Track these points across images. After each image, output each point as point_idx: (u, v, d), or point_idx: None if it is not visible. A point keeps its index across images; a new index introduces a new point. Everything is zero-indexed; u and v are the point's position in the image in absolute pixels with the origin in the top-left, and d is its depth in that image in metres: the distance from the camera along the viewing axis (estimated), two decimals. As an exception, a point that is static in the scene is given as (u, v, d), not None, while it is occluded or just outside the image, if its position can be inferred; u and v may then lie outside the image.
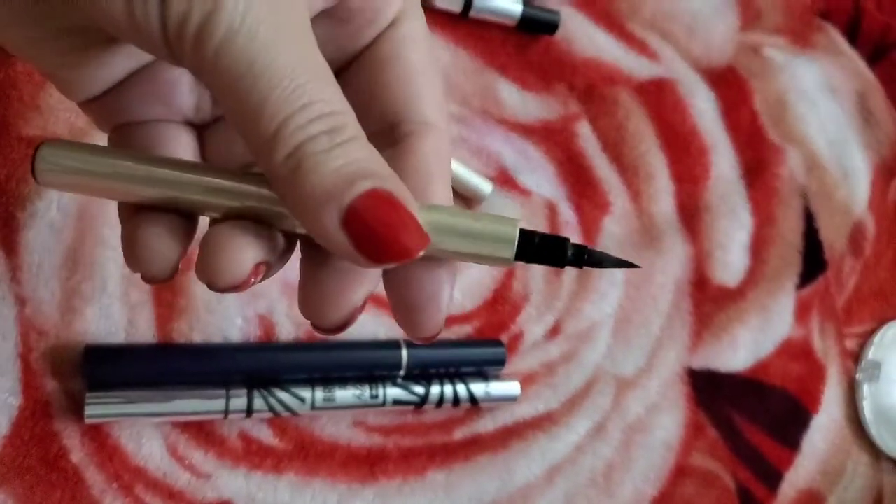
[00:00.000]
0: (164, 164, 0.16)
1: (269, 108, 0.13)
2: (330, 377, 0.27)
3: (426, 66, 0.17)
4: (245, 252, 0.15)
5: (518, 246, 0.15)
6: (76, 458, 0.25)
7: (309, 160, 0.13)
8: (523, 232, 0.15)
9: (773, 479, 0.35)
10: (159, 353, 0.25)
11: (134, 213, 0.17)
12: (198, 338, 0.26)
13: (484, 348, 0.30)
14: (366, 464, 0.28)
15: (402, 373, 0.28)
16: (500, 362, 0.30)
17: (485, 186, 0.30)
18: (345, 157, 0.13)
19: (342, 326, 0.16)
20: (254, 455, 0.27)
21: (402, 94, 0.17)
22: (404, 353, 0.28)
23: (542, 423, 0.31)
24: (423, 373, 0.28)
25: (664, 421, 0.33)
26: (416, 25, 0.17)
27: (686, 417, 0.34)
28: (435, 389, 0.28)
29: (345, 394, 0.27)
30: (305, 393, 0.26)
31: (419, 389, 0.28)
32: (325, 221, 0.13)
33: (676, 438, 0.33)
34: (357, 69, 0.17)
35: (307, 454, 0.27)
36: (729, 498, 0.34)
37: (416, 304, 0.16)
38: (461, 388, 0.29)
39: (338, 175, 0.13)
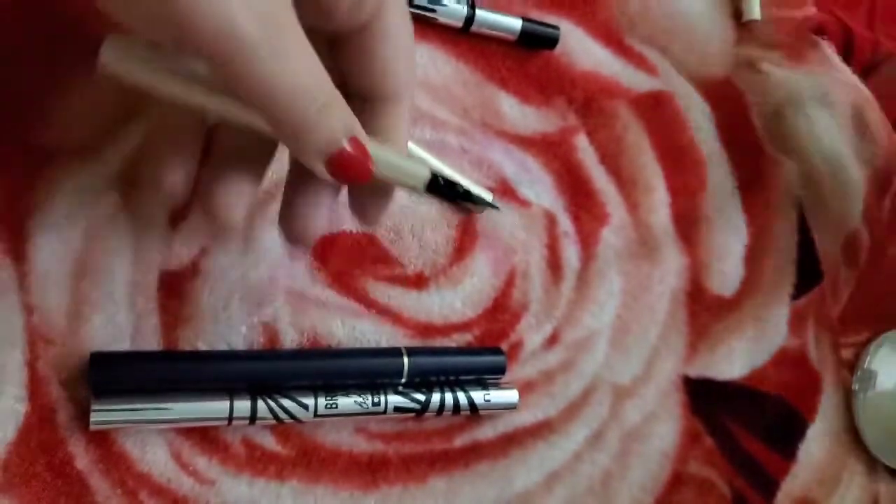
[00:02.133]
0: None
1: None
2: (332, 384, 0.27)
3: (400, 50, 0.21)
4: None
5: (430, 183, 0.22)
6: (81, 464, 0.25)
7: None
8: (433, 174, 0.22)
9: (768, 487, 0.35)
10: (164, 360, 0.26)
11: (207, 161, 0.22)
12: (203, 345, 0.27)
13: (484, 356, 0.30)
14: (367, 471, 0.28)
15: (403, 380, 0.28)
16: (501, 370, 0.30)
17: (485, 197, 0.31)
18: (327, 122, 0.19)
19: (310, 237, 0.22)
20: (257, 461, 0.27)
21: (379, 70, 0.21)
22: (405, 360, 0.28)
23: (540, 430, 0.31)
24: (423, 380, 0.29)
25: (661, 429, 0.34)
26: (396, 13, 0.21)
27: (682, 426, 0.34)
28: (435, 397, 0.29)
29: (347, 401, 0.27)
30: (308, 400, 0.27)
31: (420, 397, 0.28)
32: (316, 166, 0.20)
33: (673, 446, 0.34)
34: (342, 45, 0.21)
35: (310, 461, 0.28)
36: (725, 506, 0.34)
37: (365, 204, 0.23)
38: (461, 396, 0.29)
39: (322, 136, 0.19)
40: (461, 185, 0.22)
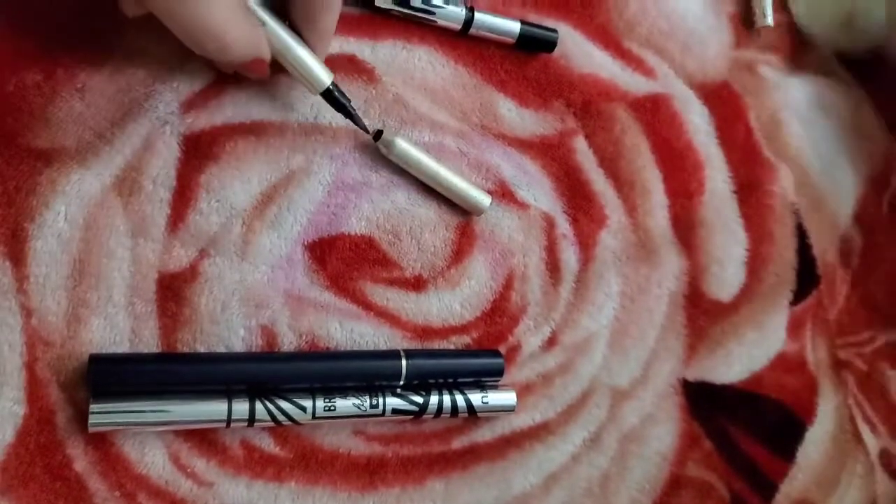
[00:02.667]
0: None
1: None
2: (331, 387, 0.28)
3: None
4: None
5: (326, 92, 0.28)
6: (80, 466, 0.25)
7: None
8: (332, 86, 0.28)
9: (767, 489, 0.35)
10: (163, 363, 0.26)
11: None
12: (201, 348, 0.27)
13: (483, 359, 0.31)
14: (366, 472, 0.28)
15: (401, 382, 0.29)
16: (499, 373, 0.30)
17: (484, 199, 0.31)
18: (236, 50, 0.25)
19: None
20: (255, 464, 0.27)
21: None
22: (404, 363, 0.29)
23: (538, 432, 0.32)
24: (422, 383, 0.29)
25: (659, 431, 0.34)
26: None
27: (681, 428, 0.34)
28: (434, 399, 0.29)
29: (345, 403, 0.27)
30: (307, 402, 0.27)
31: (418, 399, 0.29)
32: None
33: (671, 449, 0.34)
34: None
35: (308, 463, 0.28)
36: (723, 508, 0.34)
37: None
38: (459, 398, 0.29)
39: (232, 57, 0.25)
40: (352, 107, 0.28)
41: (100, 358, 0.25)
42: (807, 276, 0.38)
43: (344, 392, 0.28)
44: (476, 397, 0.30)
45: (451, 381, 0.30)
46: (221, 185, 0.28)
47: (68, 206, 0.26)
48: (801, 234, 0.38)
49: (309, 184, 0.29)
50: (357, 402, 0.28)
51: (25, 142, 0.26)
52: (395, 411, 0.28)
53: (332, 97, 0.28)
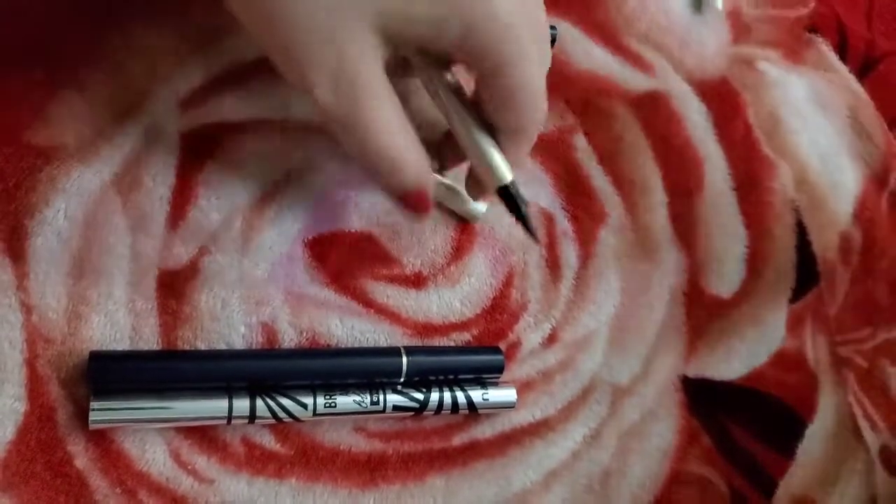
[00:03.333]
0: None
1: None
2: (331, 384, 0.28)
3: (527, 95, 0.26)
4: None
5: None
6: (80, 463, 0.25)
7: None
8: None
9: (767, 486, 0.36)
10: (163, 359, 0.26)
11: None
12: (202, 345, 0.27)
13: (483, 356, 0.31)
14: (366, 469, 0.29)
15: (401, 379, 0.29)
16: (499, 369, 0.31)
17: (479, 207, 0.31)
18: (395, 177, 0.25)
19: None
20: (256, 461, 0.27)
21: (504, 109, 0.26)
22: (404, 360, 0.29)
23: (539, 429, 0.32)
24: (422, 379, 0.29)
25: (659, 428, 0.34)
26: None
27: (681, 424, 0.35)
28: (434, 396, 0.29)
29: (346, 400, 0.28)
30: (307, 399, 0.27)
31: (419, 396, 0.29)
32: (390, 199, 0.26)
33: (671, 445, 0.34)
34: (480, 86, 0.26)
35: (309, 460, 0.28)
36: (724, 505, 0.35)
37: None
38: (460, 395, 0.30)
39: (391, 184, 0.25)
40: (526, 209, 0.27)
41: (100, 355, 0.25)
42: (807, 274, 0.38)
43: (345, 389, 0.28)
44: (476, 394, 0.30)
45: (451, 377, 0.30)
46: (221, 182, 0.29)
47: (68, 203, 0.26)
48: (801, 232, 0.39)
49: (308, 181, 0.30)
50: (358, 398, 0.28)
51: (25, 139, 0.26)
52: (396, 408, 0.28)
53: (508, 194, 0.26)
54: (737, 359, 0.36)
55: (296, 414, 0.27)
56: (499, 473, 0.31)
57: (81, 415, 0.25)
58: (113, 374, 0.25)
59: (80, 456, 0.25)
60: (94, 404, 0.25)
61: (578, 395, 0.33)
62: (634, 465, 0.33)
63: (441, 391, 0.29)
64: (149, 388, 0.26)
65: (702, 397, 0.35)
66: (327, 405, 0.27)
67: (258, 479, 0.27)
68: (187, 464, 0.27)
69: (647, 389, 0.34)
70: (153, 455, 0.26)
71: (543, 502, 0.31)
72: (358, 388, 0.28)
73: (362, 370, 0.28)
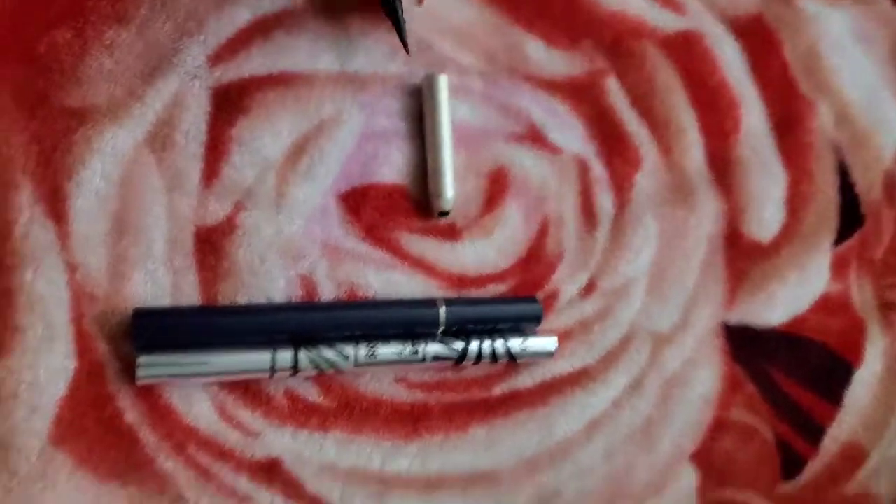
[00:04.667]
0: None
1: None
2: (371, 335, 0.29)
3: None
4: None
5: None
6: (130, 418, 0.27)
7: None
8: None
9: (814, 433, 0.36)
10: (206, 314, 0.27)
11: None
12: (242, 300, 0.28)
13: (520, 305, 0.31)
14: (409, 420, 0.30)
15: (440, 330, 0.30)
16: (537, 319, 0.31)
17: (446, 200, 0.31)
18: None
19: None
20: (300, 413, 0.28)
21: None
22: (442, 310, 0.30)
23: (579, 378, 0.33)
24: (461, 330, 0.30)
25: (701, 376, 0.35)
26: None
27: (723, 372, 0.35)
28: (473, 345, 0.30)
29: (386, 350, 0.29)
30: (349, 350, 0.28)
31: (458, 345, 0.30)
32: None
33: (714, 393, 0.35)
34: None
35: (352, 411, 0.29)
36: (769, 452, 0.35)
37: None
38: (499, 344, 0.30)
39: None
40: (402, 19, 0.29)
41: (143, 312, 0.27)
42: (850, 215, 0.38)
43: (385, 340, 0.29)
44: (516, 343, 0.31)
45: (489, 328, 0.31)
46: (252, 137, 0.29)
47: (104, 163, 0.27)
48: (843, 172, 0.39)
49: (339, 133, 0.30)
50: (398, 349, 0.29)
51: (58, 101, 0.27)
52: (436, 357, 0.29)
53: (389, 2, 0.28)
54: (779, 305, 0.36)
55: (338, 364, 0.28)
56: (541, 423, 0.32)
57: (128, 371, 0.27)
58: (156, 329, 0.26)
59: (130, 411, 0.27)
60: (140, 360, 0.26)
61: (618, 344, 0.33)
62: (677, 413, 0.34)
63: (480, 341, 0.30)
64: (192, 342, 0.27)
65: (744, 344, 0.36)
66: (368, 355, 0.28)
67: (302, 431, 0.28)
68: (233, 418, 0.28)
69: (688, 337, 0.35)
70: (200, 409, 0.27)
71: (586, 451, 0.32)
72: (398, 338, 0.29)
73: (401, 321, 0.29)
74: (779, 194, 0.37)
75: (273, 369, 0.27)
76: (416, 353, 0.29)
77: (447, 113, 0.31)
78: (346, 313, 0.29)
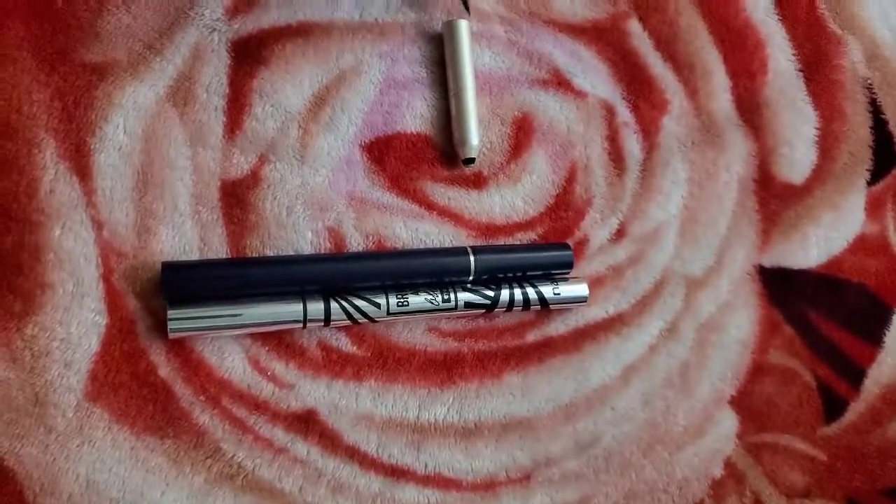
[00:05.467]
0: None
1: None
2: (402, 284, 0.29)
3: None
4: None
5: None
6: (164, 372, 0.27)
7: None
8: None
9: (855, 375, 0.35)
10: (235, 266, 0.27)
11: None
12: (270, 252, 0.28)
13: (551, 252, 0.31)
14: (443, 368, 0.29)
15: (471, 278, 0.29)
16: (568, 265, 0.31)
17: (472, 148, 0.31)
18: None
19: None
20: (334, 364, 0.28)
21: None
22: (472, 258, 0.29)
23: (613, 324, 0.32)
24: (491, 278, 0.30)
25: (738, 319, 0.34)
26: None
27: (760, 315, 0.34)
28: (505, 293, 0.30)
29: (418, 299, 0.28)
30: (380, 299, 0.28)
31: (489, 293, 0.29)
32: None
33: (751, 336, 0.34)
34: None
35: (386, 361, 0.29)
36: (810, 395, 0.35)
37: None
38: (531, 291, 0.30)
39: None
40: None
41: (172, 265, 0.26)
42: (884, 154, 0.38)
43: (415, 289, 0.28)
44: (547, 289, 0.30)
45: (520, 275, 0.30)
46: (274, 89, 0.29)
47: (126, 118, 0.27)
48: (876, 110, 0.38)
49: (360, 83, 0.30)
50: (429, 297, 0.28)
51: (78, 57, 0.27)
52: (468, 305, 0.29)
53: None
54: (814, 246, 0.36)
55: (370, 314, 0.28)
56: (576, 369, 0.31)
57: (160, 326, 0.27)
58: (186, 282, 0.26)
59: (163, 366, 0.27)
60: (171, 313, 0.26)
61: (651, 289, 0.33)
62: (714, 357, 0.33)
63: (511, 288, 0.30)
64: (222, 295, 0.27)
65: (780, 287, 0.35)
66: (400, 304, 0.28)
67: (337, 382, 0.28)
68: (266, 370, 0.28)
69: (722, 281, 0.34)
70: (232, 363, 0.27)
71: (623, 397, 0.32)
72: (429, 287, 0.29)
73: (431, 269, 0.29)
74: (810, 134, 0.37)
75: (305, 320, 0.27)
76: (447, 300, 0.29)
77: (469, 59, 0.31)
78: (376, 263, 0.28)
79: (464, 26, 0.31)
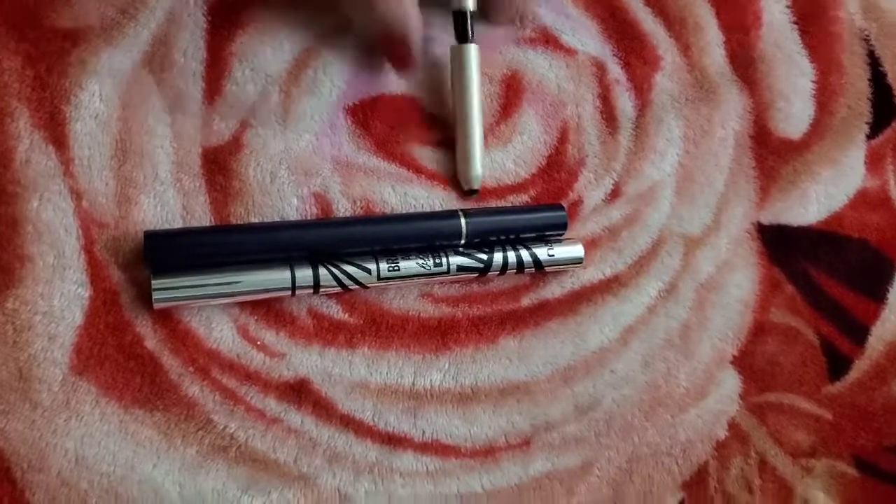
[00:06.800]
0: None
1: None
2: (392, 249, 0.28)
3: None
4: None
5: None
6: (150, 344, 0.26)
7: None
8: None
9: (858, 332, 0.35)
10: (219, 233, 0.27)
11: None
12: (255, 220, 0.28)
13: (544, 213, 0.31)
14: (437, 333, 0.29)
15: (462, 241, 0.29)
16: (562, 226, 0.31)
17: (475, 179, 0.30)
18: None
19: None
20: (326, 332, 0.28)
21: None
22: (462, 221, 0.29)
23: (610, 286, 0.32)
24: (484, 241, 0.29)
25: (737, 278, 0.34)
26: None
27: (760, 274, 0.34)
28: (498, 255, 0.29)
29: (409, 264, 0.28)
30: (370, 264, 0.27)
31: (482, 256, 0.29)
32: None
33: (752, 295, 0.34)
34: None
35: (378, 327, 0.29)
36: (813, 353, 0.34)
37: None
38: (524, 253, 0.30)
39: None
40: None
41: (155, 234, 0.26)
42: (883, 107, 0.37)
43: (406, 253, 0.28)
44: (541, 251, 0.30)
45: (513, 237, 0.30)
46: (253, 52, 0.29)
47: (102, 85, 0.27)
48: (874, 62, 0.37)
49: (342, 44, 0.30)
50: (421, 261, 0.28)
51: (49, 22, 0.27)
52: (461, 268, 0.29)
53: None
54: (813, 202, 0.36)
55: (360, 280, 0.27)
56: (573, 332, 0.31)
57: (145, 297, 0.26)
58: (169, 251, 0.26)
59: (150, 337, 0.26)
60: (155, 283, 0.26)
61: (648, 248, 0.33)
62: (715, 317, 0.33)
63: (504, 251, 0.29)
64: (208, 263, 0.26)
65: (780, 245, 0.35)
66: (391, 269, 0.28)
67: (329, 349, 0.28)
68: (256, 339, 0.27)
69: (721, 239, 0.34)
70: (220, 333, 0.27)
71: (622, 359, 0.32)
72: (419, 252, 0.28)
73: (421, 234, 0.29)
74: (806, 88, 0.36)
75: (294, 287, 0.27)
76: (439, 265, 0.28)
77: (478, 87, 0.30)
78: (364, 227, 0.28)
79: (472, 51, 0.30)
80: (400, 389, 0.29)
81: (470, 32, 0.30)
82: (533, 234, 0.31)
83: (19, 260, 0.25)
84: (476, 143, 0.30)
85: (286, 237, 0.27)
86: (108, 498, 0.25)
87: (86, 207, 0.26)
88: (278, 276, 0.27)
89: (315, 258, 0.27)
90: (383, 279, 0.28)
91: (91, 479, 0.25)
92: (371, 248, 0.28)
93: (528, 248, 0.30)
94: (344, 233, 0.28)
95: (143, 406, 0.26)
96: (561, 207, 0.31)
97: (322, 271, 0.27)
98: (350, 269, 0.27)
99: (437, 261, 0.29)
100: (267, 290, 0.27)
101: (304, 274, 0.27)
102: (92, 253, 0.26)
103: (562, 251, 0.31)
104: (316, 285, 0.27)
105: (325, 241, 0.28)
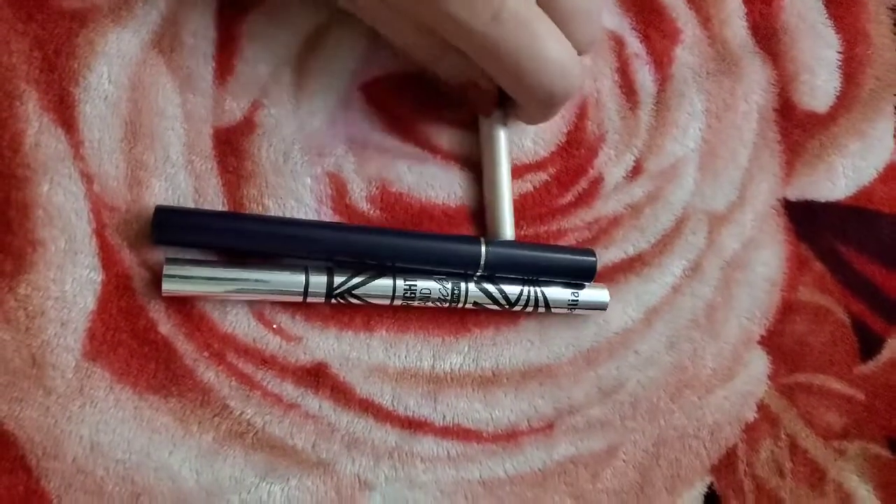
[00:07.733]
0: None
1: None
2: (409, 269, 0.27)
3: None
4: None
5: None
6: (165, 329, 0.26)
7: None
8: None
9: (890, 310, 0.34)
10: (232, 220, 0.26)
11: None
12: (269, 201, 0.27)
13: (572, 255, 0.29)
14: (456, 316, 0.29)
15: (479, 272, 0.28)
16: (589, 274, 0.29)
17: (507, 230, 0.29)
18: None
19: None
20: (342, 314, 0.28)
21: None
22: (483, 249, 0.28)
23: (633, 265, 0.31)
24: (501, 276, 0.28)
25: (764, 256, 0.33)
26: None
27: (787, 251, 0.33)
28: (514, 289, 0.28)
29: (425, 284, 0.27)
30: (387, 281, 0.27)
31: (501, 289, 0.28)
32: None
33: (779, 273, 0.33)
34: None
35: (396, 310, 0.28)
36: (844, 332, 0.34)
37: None
38: (547, 292, 0.29)
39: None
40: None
41: (165, 210, 0.25)
42: (912, 77, 0.36)
43: (425, 275, 0.27)
44: (564, 293, 0.29)
45: (533, 278, 0.29)
46: (264, 31, 0.28)
47: (110, 66, 0.27)
48: (901, 32, 0.36)
49: (354, 21, 0.29)
50: (438, 286, 0.27)
51: (56, 3, 0.26)
52: (476, 304, 0.28)
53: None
54: (841, 177, 0.35)
55: (372, 301, 0.27)
56: (595, 313, 0.30)
57: (157, 281, 0.26)
58: (180, 231, 0.25)
59: (164, 322, 0.26)
60: (166, 270, 0.25)
61: (672, 226, 0.32)
62: (741, 296, 0.32)
63: (522, 286, 0.28)
64: (216, 245, 0.26)
65: (807, 221, 0.34)
66: (407, 292, 0.27)
67: (346, 333, 0.28)
68: (272, 323, 0.27)
69: (746, 216, 0.33)
70: (235, 317, 0.27)
71: (647, 340, 0.31)
72: (437, 275, 0.27)
73: (440, 256, 0.27)
74: (832, 60, 0.35)
75: (306, 293, 0.26)
76: (456, 293, 0.27)
77: (507, 155, 0.29)
78: (381, 238, 0.27)
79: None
80: (419, 373, 0.28)
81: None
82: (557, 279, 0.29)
83: (31, 245, 0.25)
84: (507, 205, 0.29)
85: (302, 234, 0.26)
86: (124, 485, 0.25)
87: (96, 191, 0.26)
88: (291, 279, 0.26)
89: (331, 263, 0.27)
90: (398, 298, 0.27)
91: (107, 466, 0.25)
92: (381, 262, 0.27)
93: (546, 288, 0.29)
94: (360, 240, 0.27)
95: (157, 392, 0.26)
96: (591, 252, 0.29)
97: (337, 278, 0.26)
98: (364, 288, 0.27)
99: (455, 291, 0.27)
100: (280, 293, 0.26)
101: (319, 280, 0.26)
102: (103, 237, 0.26)
103: (587, 295, 0.29)
104: (329, 294, 0.26)
105: (341, 245, 0.27)
